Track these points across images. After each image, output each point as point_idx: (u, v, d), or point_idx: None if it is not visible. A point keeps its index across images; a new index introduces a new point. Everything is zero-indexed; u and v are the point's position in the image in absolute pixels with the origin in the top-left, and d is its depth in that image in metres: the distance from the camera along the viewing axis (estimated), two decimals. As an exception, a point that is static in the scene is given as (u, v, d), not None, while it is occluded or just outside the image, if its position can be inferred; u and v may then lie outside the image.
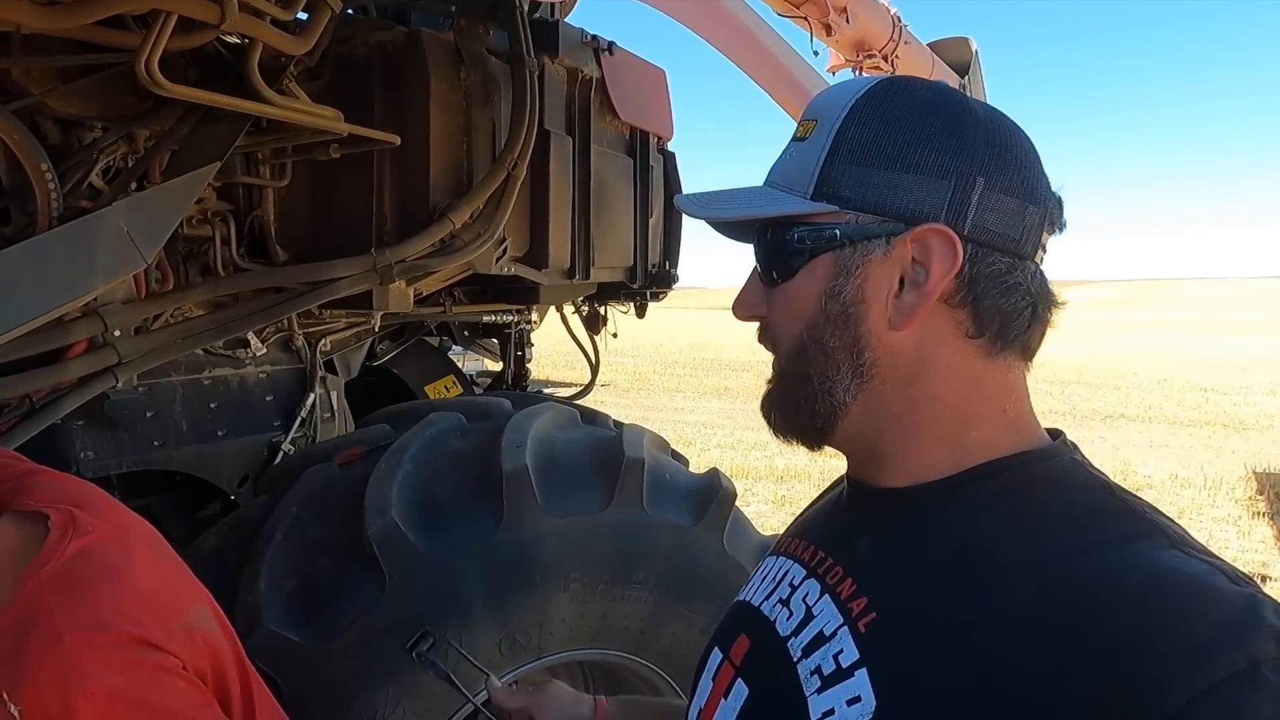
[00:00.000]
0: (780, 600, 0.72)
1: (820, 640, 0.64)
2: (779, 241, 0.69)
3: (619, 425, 2.19)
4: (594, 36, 2.82)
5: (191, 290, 2.32)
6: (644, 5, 1.89)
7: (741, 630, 0.75)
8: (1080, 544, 0.57)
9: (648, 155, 3.14)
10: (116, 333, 1.98)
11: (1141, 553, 0.55)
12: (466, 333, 3.52)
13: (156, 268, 2.24)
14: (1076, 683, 0.50)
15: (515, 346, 3.49)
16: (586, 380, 3.69)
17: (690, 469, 2.27)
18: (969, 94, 4.59)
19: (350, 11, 2.74)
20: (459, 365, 3.66)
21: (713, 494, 1.97)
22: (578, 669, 2.18)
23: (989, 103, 0.76)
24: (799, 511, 0.88)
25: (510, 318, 3.34)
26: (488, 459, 1.78)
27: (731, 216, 0.72)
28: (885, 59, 4.46)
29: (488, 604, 1.68)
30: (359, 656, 1.55)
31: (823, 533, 0.76)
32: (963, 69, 5.08)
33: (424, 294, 2.73)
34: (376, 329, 2.91)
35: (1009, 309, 0.65)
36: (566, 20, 2.90)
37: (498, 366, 3.74)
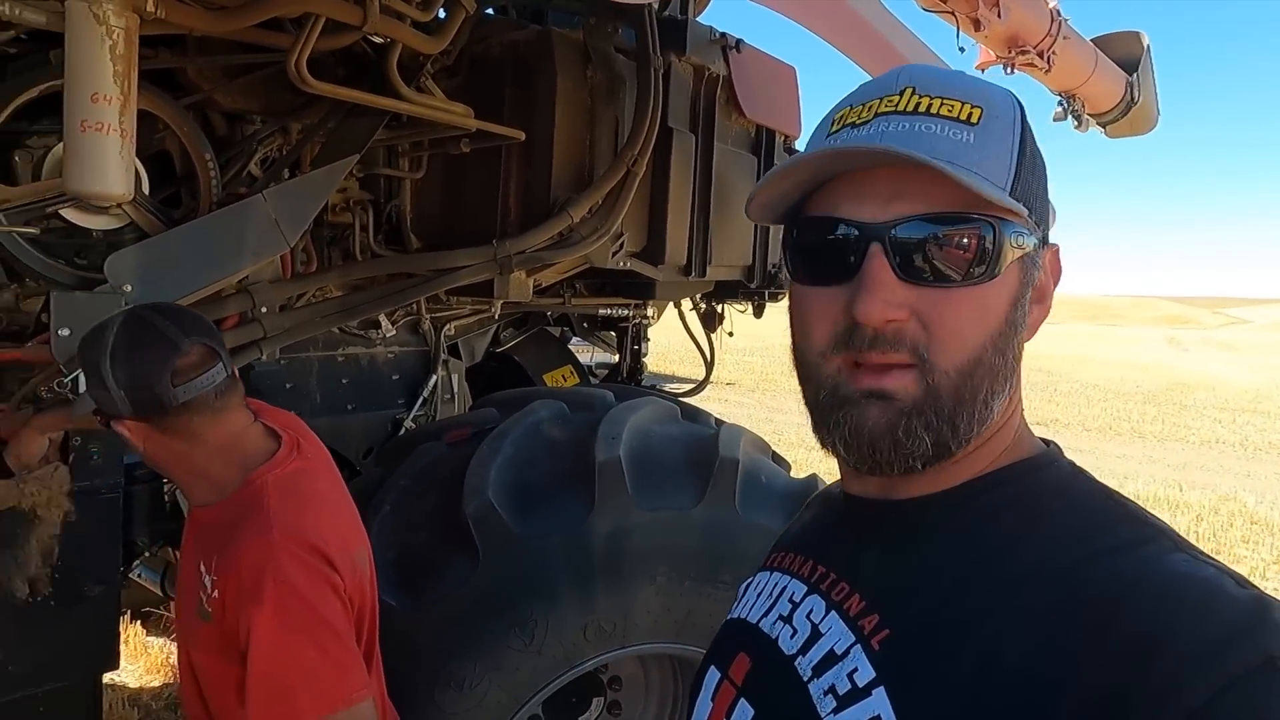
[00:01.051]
0: (781, 617, 0.70)
1: (832, 659, 0.63)
2: (985, 235, 0.60)
3: (719, 424, 2.19)
4: (723, 34, 2.81)
5: (332, 272, 2.51)
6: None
7: (740, 649, 0.73)
8: (1092, 550, 0.57)
9: (773, 154, 3.11)
10: (264, 309, 2.16)
11: (1152, 557, 0.56)
12: (585, 324, 3.61)
13: (303, 250, 2.44)
14: (1099, 686, 0.50)
15: (632, 340, 3.55)
16: (703, 377, 3.70)
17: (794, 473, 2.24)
18: (1136, 93, 4.25)
19: (490, 12, 2.87)
20: (582, 356, 3.76)
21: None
22: (667, 662, 2.20)
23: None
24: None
25: (627, 312, 3.40)
26: (584, 448, 1.83)
27: (957, 175, 0.57)
28: (1041, 55, 4.18)
29: (574, 588, 1.73)
30: (451, 627, 1.63)
31: (821, 547, 0.73)
32: (1132, 66, 4.70)
33: (544, 285, 2.83)
34: (496, 316, 3.03)
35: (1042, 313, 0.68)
36: (697, 19, 2.91)
37: (616, 358, 3.82)
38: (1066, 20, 4.29)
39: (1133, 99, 4.47)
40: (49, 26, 1.61)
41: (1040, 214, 0.64)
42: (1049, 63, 4.20)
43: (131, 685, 3.65)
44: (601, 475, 1.77)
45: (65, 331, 1.67)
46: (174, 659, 3.85)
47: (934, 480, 0.65)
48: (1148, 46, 4.76)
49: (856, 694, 0.60)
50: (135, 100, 1.67)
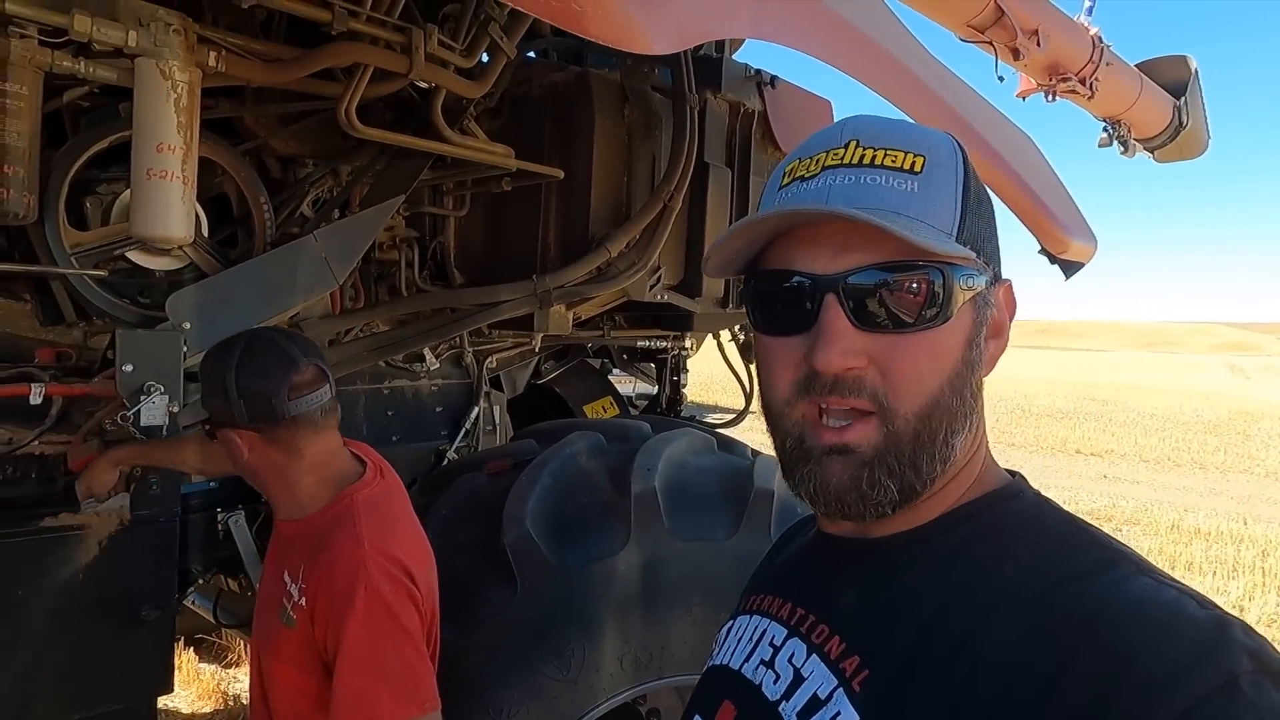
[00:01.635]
0: (763, 662, 0.70)
1: (816, 704, 0.63)
2: (933, 282, 0.61)
3: (755, 455, 2.20)
4: (757, 71, 2.86)
5: (379, 308, 2.60)
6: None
7: (725, 696, 0.73)
8: (1059, 576, 0.58)
9: (809, 186, 3.13)
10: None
11: (1116, 582, 0.57)
12: (625, 356, 3.65)
13: (351, 286, 2.54)
14: (1075, 710, 0.52)
15: (671, 371, 3.58)
16: (743, 407, 3.70)
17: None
18: (1185, 117, 4.18)
19: (530, 55, 2.97)
20: (623, 387, 3.79)
21: (848, 532, 1.93)
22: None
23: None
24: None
25: (666, 343, 3.43)
26: (620, 479, 1.86)
27: (895, 230, 0.59)
28: (1083, 82, 4.15)
29: (611, 618, 1.75)
30: (490, 655, 1.66)
31: (798, 588, 0.74)
32: (1179, 90, 4.63)
33: (583, 318, 2.88)
34: (537, 349, 3.09)
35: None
36: (732, 56, 2.97)
37: (655, 390, 3.84)
38: (1108, 46, 4.26)
39: (1181, 123, 4.41)
40: (119, 82, 1.72)
41: (990, 253, 0.65)
42: (1092, 89, 4.17)
43: (184, 710, 3.74)
44: (637, 506, 1.79)
45: (129, 367, 1.76)
46: (225, 685, 3.94)
47: (904, 518, 0.66)
48: (1195, 70, 4.69)
49: None
50: (197, 149, 1.77)
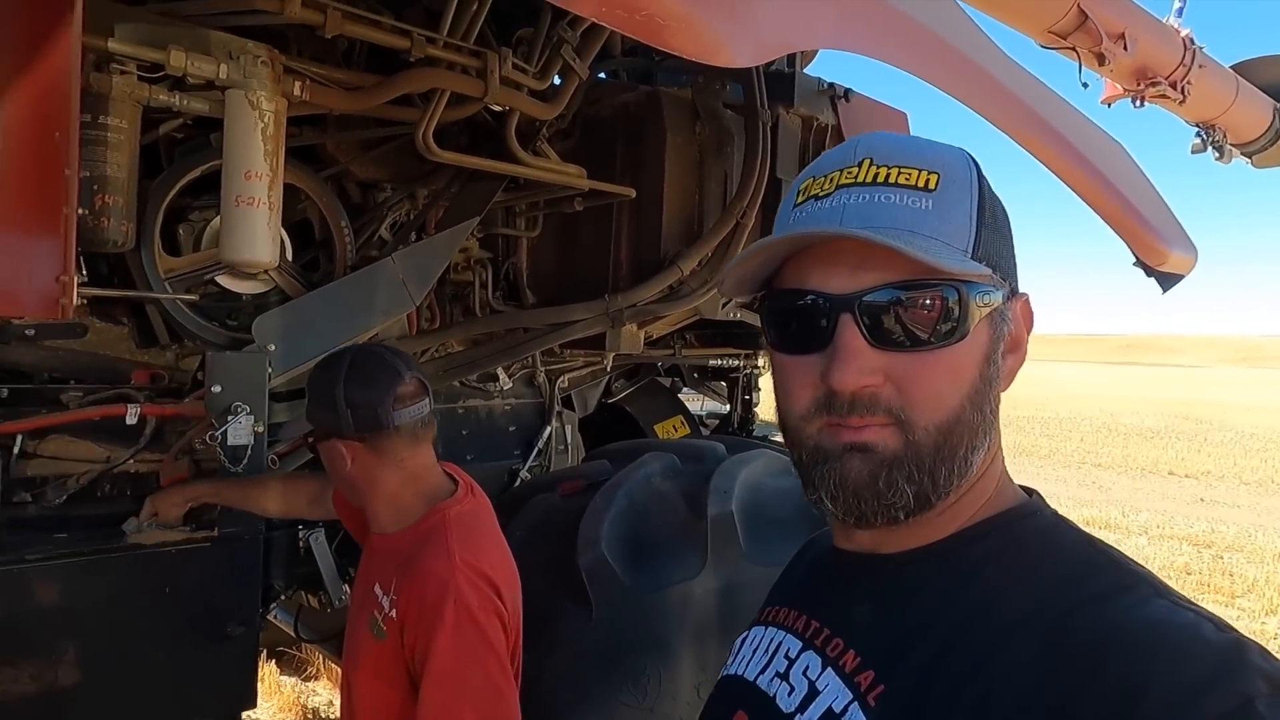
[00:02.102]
0: (778, 674, 0.70)
1: (831, 717, 0.63)
2: (947, 300, 0.62)
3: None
4: (831, 84, 2.82)
5: (455, 328, 2.63)
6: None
7: (739, 707, 0.72)
8: (1076, 599, 0.58)
9: (885, 200, 3.06)
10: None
11: (1133, 606, 0.57)
12: (696, 375, 3.62)
13: (427, 308, 2.58)
14: None
15: (742, 390, 3.53)
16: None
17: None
18: (1286, 122, 3.92)
19: (601, 75, 2.99)
20: (692, 405, 3.76)
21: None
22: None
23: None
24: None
25: (738, 362, 3.39)
26: (695, 502, 1.82)
27: (910, 251, 0.59)
28: (1174, 86, 3.96)
29: (688, 644, 1.71)
30: (565, 680, 1.64)
31: (813, 602, 0.73)
32: (1279, 92, 4.39)
33: (655, 337, 2.87)
34: (609, 369, 3.08)
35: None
36: (805, 70, 2.93)
37: (727, 408, 3.80)
38: (1201, 48, 4.06)
39: (1281, 126, 4.17)
40: (210, 113, 1.78)
41: (1006, 268, 0.66)
42: (1183, 93, 3.97)
43: (265, 722, 3.83)
44: (714, 529, 1.75)
45: (217, 388, 1.82)
46: (305, 699, 4.02)
47: (919, 534, 0.66)
48: (1298, 70, 4.44)
49: None
50: (282, 175, 1.82)
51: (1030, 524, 0.66)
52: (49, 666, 1.65)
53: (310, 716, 3.89)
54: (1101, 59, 3.62)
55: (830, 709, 0.63)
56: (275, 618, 2.91)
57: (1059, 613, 0.57)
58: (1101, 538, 0.65)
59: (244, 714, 1.98)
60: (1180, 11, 4.09)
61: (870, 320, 0.62)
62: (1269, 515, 9.55)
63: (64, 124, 1.44)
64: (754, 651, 0.75)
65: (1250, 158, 4.24)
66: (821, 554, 0.77)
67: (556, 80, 2.29)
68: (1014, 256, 0.68)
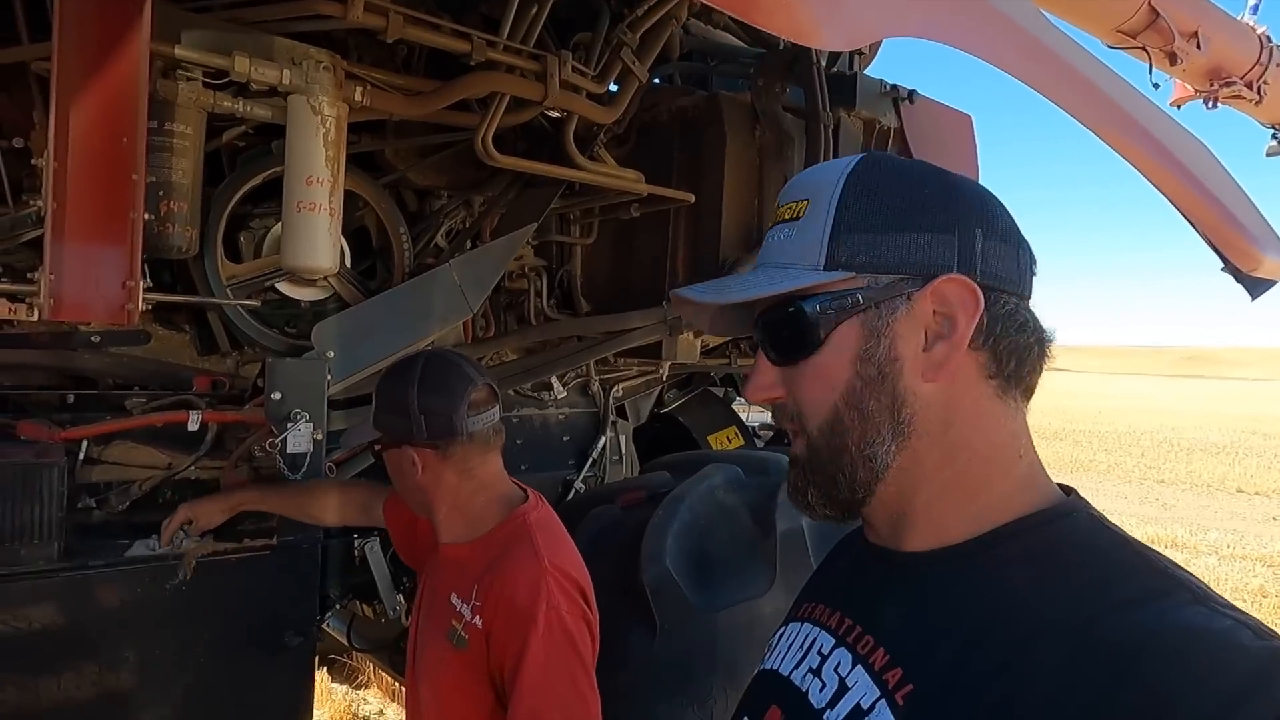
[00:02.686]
0: (811, 670, 0.71)
1: (859, 714, 0.63)
2: (798, 317, 0.67)
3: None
4: (894, 86, 2.74)
5: (509, 337, 2.60)
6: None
7: (772, 701, 0.73)
8: (1106, 605, 0.56)
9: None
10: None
11: (1167, 611, 0.54)
12: (750, 385, 3.54)
13: (482, 316, 2.56)
14: None
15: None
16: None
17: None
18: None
19: (657, 80, 2.95)
20: (742, 417, 3.69)
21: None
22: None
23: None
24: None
25: (795, 371, 3.31)
26: (763, 517, 1.75)
27: (748, 296, 0.69)
28: (1250, 86, 3.79)
29: (755, 665, 1.63)
30: (627, 700, 1.58)
31: (847, 598, 0.74)
32: (1363, 91, 4.18)
33: (710, 346, 2.81)
34: (664, 378, 3.03)
35: (1022, 346, 0.67)
36: (866, 72, 2.85)
37: (780, 420, 3.71)
38: (1279, 46, 3.88)
39: (1367, 128, 3.96)
40: (273, 119, 1.78)
41: (891, 260, 0.66)
42: (1260, 93, 3.80)
43: (318, 731, 3.83)
44: (783, 545, 1.68)
45: (277, 395, 1.81)
46: (356, 706, 4.02)
47: (945, 531, 0.66)
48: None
49: None
50: (343, 182, 1.81)
51: (1065, 525, 0.64)
52: (109, 673, 1.64)
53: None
54: (1173, 58, 3.48)
55: (859, 706, 0.64)
56: (329, 626, 2.90)
57: (1088, 617, 0.55)
58: (1168, 556, 0.61)
59: (297, 723, 1.96)
60: (1256, 9, 3.91)
61: (763, 342, 0.70)
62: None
63: (131, 130, 1.44)
64: (789, 647, 0.76)
65: (1331, 161, 4.04)
66: (857, 549, 0.77)
67: (614, 86, 2.25)
68: (927, 245, 0.66)
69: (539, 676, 1.25)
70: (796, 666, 0.72)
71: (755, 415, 4.34)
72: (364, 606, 2.59)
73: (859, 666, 0.66)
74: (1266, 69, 3.78)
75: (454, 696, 1.37)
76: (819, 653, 0.71)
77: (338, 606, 2.38)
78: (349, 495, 1.80)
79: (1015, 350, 0.66)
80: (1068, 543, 0.62)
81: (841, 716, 0.64)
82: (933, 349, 0.65)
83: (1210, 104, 3.80)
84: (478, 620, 1.32)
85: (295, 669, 1.86)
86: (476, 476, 1.43)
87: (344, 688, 4.16)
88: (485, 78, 1.94)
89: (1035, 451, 0.68)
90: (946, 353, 0.65)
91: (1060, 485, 0.69)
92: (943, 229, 0.65)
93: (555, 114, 2.19)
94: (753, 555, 1.71)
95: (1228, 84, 3.79)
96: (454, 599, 1.38)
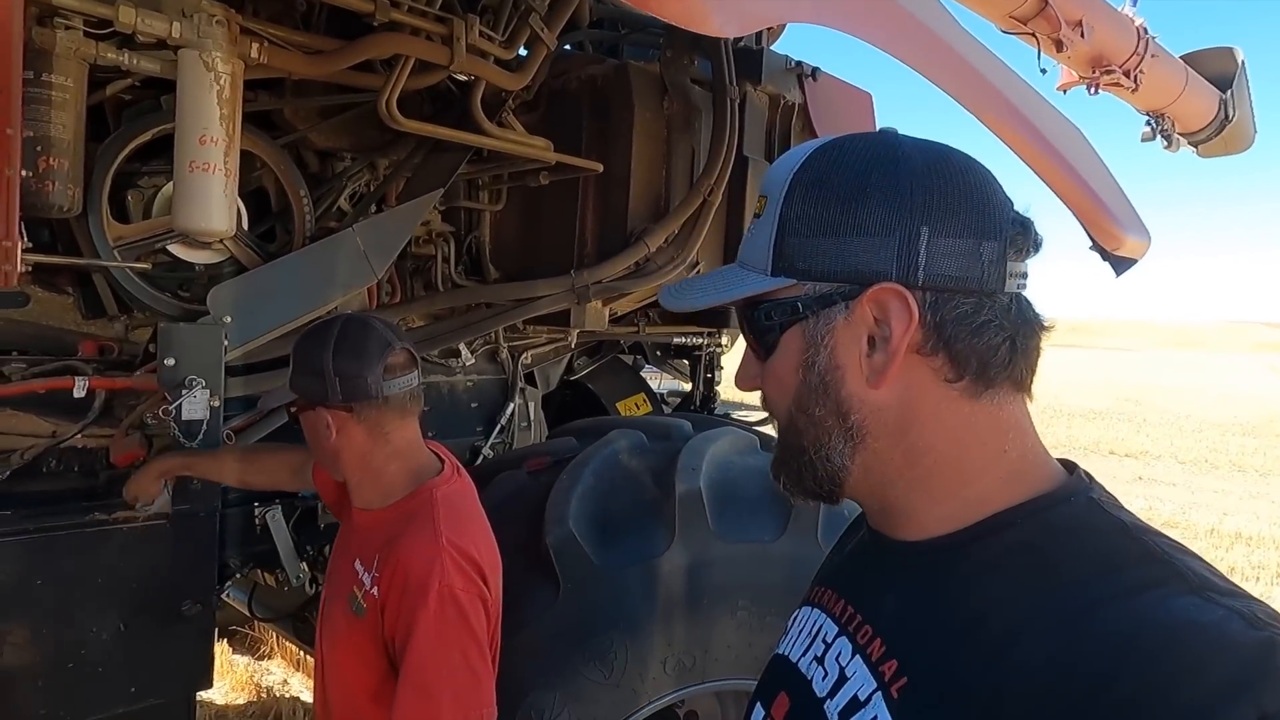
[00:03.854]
0: (815, 658, 0.72)
1: (855, 705, 0.64)
2: (754, 321, 0.69)
3: (799, 455, 2.15)
4: (798, 63, 2.81)
5: (415, 303, 2.57)
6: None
7: (782, 687, 0.75)
8: (1098, 595, 0.55)
9: (849, 180, 3.07)
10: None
11: (1159, 602, 0.54)
12: (659, 352, 3.61)
13: (388, 281, 2.52)
14: None
15: (705, 369, 3.53)
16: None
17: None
18: (1231, 111, 4.05)
19: (568, 48, 2.93)
20: (652, 383, 3.76)
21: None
22: (745, 699, 2.16)
23: (930, 146, 0.67)
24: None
25: (701, 340, 3.39)
26: (663, 479, 1.82)
27: (698, 305, 0.72)
28: (1128, 74, 4.03)
29: (655, 621, 1.71)
30: (531, 657, 1.63)
31: (851, 585, 0.75)
32: (1225, 83, 4.50)
33: (619, 314, 2.85)
34: (573, 346, 3.06)
35: (984, 347, 0.63)
36: (771, 48, 2.91)
37: (688, 387, 3.80)
38: (1154, 38, 4.14)
39: (1226, 117, 4.28)
40: (162, 74, 1.70)
41: (826, 266, 0.64)
42: (1136, 82, 4.05)
43: (219, 702, 3.76)
44: (682, 507, 1.75)
45: (170, 361, 1.75)
46: (258, 678, 3.95)
47: (940, 519, 0.65)
48: (1242, 63, 4.56)
49: None
50: (239, 141, 1.75)
51: (1059, 512, 0.62)
52: (-5, 648, 1.59)
53: (264, 695, 3.83)
54: (1060, 45, 3.67)
55: (855, 697, 0.64)
56: (229, 596, 2.85)
57: (1080, 607, 0.55)
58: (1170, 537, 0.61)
59: (197, 694, 1.94)
60: (1135, 1, 4.16)
61: (746, 335, 0.72)
62: (1202, 494, 9.96)
63: (5, 81, 1.36)
64: (799, 633, 0.77)
65: (1196, 147, 4.35)
66: (862, 532, 0.77)
67: (523, 51, 2.24)
68: (862, 250, 0.63)
69: (429, 653, 1.27)
70: (804, 654, 0.74)
71: (666, 383, 4.44)
72: (266, 575, 2.55)
73: (858, 657, 0.66)
74: (1143, 59, 4.02)
75: (351, 661, 1.39)
76: (824, 640, 0.72)
77: (238, 575, 2.34)
78: (281, 459, 1.78)
79: (975, 352, 0.63)
80: (1061, 531, 0.61)
81: (840, 706, 0.65)
82: (874, 355, 0.64)
83: (1092, 90, 4.03)
84: (375, 590, 1.34)
85: (194, 638, 1.83)
86: (390, 442, 1.44)
87: (246, 659, 4.09)
88: (389, 39, 1.91)
89: (1032, 440, 0.66)
90: (884, 360, 0.63)
91: (1063, 462, 0.68)
92: (882, 230, 0.63)
93: (462, 78, 2.16)
94: (653, 517, 1.78)
95: (1108, 72, 4.03)
96: (358, 564, 1.40)
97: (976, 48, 2.07)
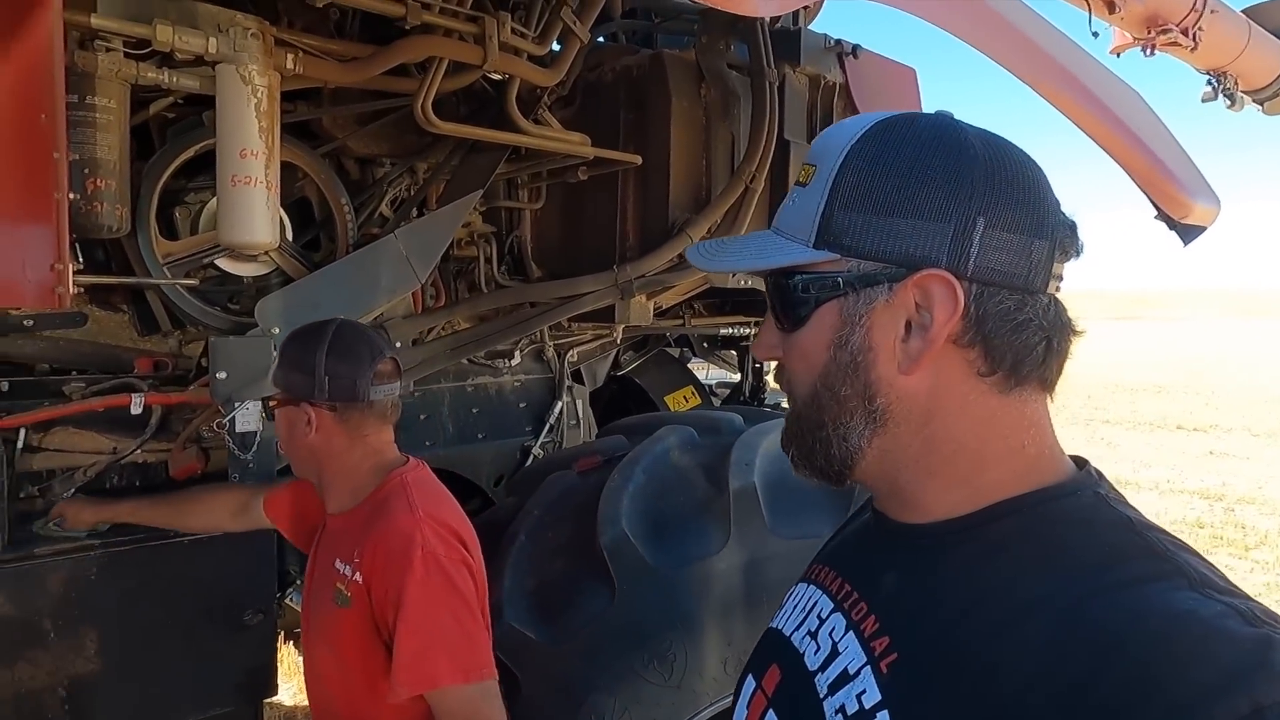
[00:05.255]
0: (809, 632, 0.72)
1: (845, 678, 0.65)
2: (787, 291, 0.67)
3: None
4: (838, 41, 2.73)
5: (460, 305, 2.57)
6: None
7: (774, 660, 0.76)
8: (1095, 587, 0.55)
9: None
10: (398, 344, 2.23)
11: (1155, 595, 0.54)
12: (705, 345, 3.57)
13: (431, 285, 2.52)
14: None
15: (753, 359, 3.48)
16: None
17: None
18: (1301, 63, 3.81)
19: (600, 40, 2.90)
20: (699, 374, 3.72)
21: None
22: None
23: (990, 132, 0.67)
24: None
25: (748, 330, 3.34)
26: (716, 475, 1.78)
27: (735, 268, 0.71)
28: (1185, 33, 3.85)
29: (713, 620, 1.68)
30: (588, 660, 1.62)
31: (850, 564, 0.75)
32: (1292, 35, 4.27)
33: (664, 307, 2.81)
34: (619, 341, 3.04)
35: (1020, 345, 0.63)
36: (809, 27, 2.84)
37: (737, 377, 3.75)
38: (1213, -9, 3.94)
39: (1293, 71, 4.06)
40: (201, 90, 1.72)
41: (876, 245, 0.63)
42: (1195, 40, 3.86)
43: (287, 703, 3.84)
44: (736, 503, 1.71)
45: (223, 374, 1.77)
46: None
47: (946, 505, 0.65)
48: (1312, 13, 4.32)
49: (862, 715, 0.62)
50: (279, 153, 1.76)
51: (1066, 503, 0.63)
52: (66, 662, 1.62)
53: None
54: (1112, 6, 3.51)
55: (846, 670, 0.65)
56: (293, 601, 2.90)
57: (1077, 597, 0.55)
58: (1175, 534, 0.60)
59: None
60: (1191, -46, 3.96)
61: (770, 303, 0.70)
62: (1278, 466, 9.54)
63: (49, 105, 1.38)
64: (794, 608, 0.78)
65: (1262, 105, 4.14)
66: (867, 514, 0.78)
67: (556, 46, 2.21)
68: (915, 233, 0.62)
69: (420, 617, 1.30)
70: (798, 628, 0.74)
71: (713, 373, 4.39)
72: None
73: (850, 632, 0.67)
74: (1201, 15, 3.83)
75: (347, 654, 1.41)
76: (818, 616, 0.72)
77: (297, 582, 2.38)
78: (219, 500, 1.76)
79: (1012, 349, 0.63)
80: (1066, 521, 0.62)
81: (830, 680, 0.66)
82: (910, 341, 0.63)
83: (1148, 51, 3.85)
84: (358, 576, 1.37)
85: (256, 647, 1.86)
86: (367, 443, 1.49)
87: (311, 660, 4.17)
88: (422, 41, 1.90)
89: (1050, 438, 0.66)
90: (920, 347, 0.63)
91: (1074, 458, 0.68)
92: (938, 216, 0.62)
93: (496, 77, 2.15)
94: (707, 514, 1.75)
95: (1164, 31, 3.84)
96: (337, 563, 1.43)
97: (1026, 12, 1.98)
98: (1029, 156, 0.65)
